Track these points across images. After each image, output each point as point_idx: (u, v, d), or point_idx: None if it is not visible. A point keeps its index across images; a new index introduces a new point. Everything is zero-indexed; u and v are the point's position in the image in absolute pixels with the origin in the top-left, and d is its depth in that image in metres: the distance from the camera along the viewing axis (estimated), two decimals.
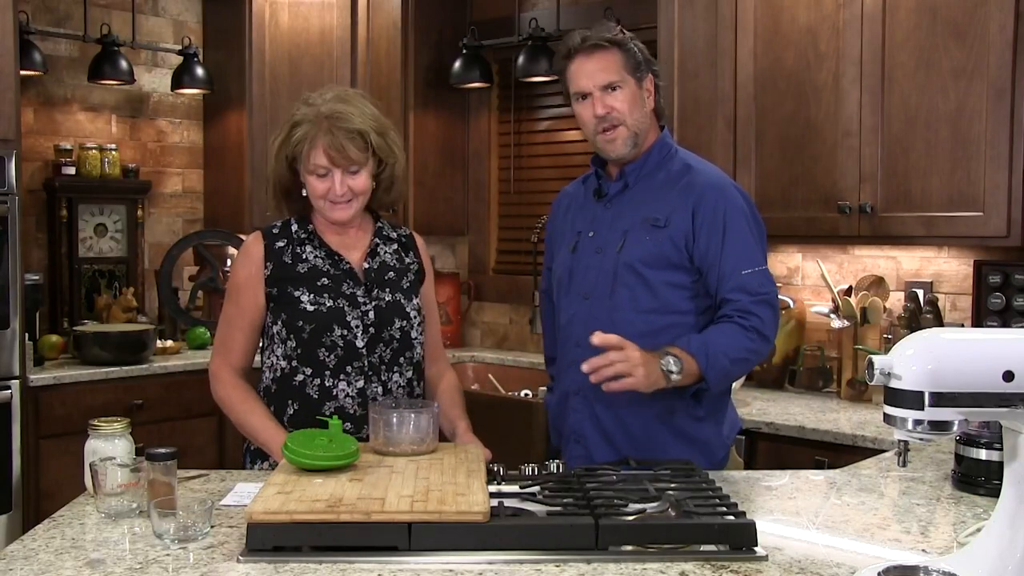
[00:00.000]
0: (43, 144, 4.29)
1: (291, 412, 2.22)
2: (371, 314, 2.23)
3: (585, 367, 2.05)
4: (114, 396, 3.78)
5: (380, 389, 2.23)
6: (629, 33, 2.31)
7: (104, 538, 1.71)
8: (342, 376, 2.21)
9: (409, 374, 2.30)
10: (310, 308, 2.20)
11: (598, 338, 2.05)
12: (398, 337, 2.26)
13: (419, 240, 2.45)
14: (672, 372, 2.07)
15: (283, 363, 2.23)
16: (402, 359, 2.28)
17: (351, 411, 2.20)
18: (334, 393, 2.21)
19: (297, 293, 2.21)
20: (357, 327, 2.22)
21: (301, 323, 2.20)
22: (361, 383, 2.22)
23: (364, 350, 2.22)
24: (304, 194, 2.24)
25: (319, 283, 2.23)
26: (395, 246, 2.37)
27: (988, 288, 3.05)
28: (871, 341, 3.26)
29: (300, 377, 2.21)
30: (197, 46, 4.57)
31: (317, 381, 2.21)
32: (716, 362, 2.11)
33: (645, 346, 2.16)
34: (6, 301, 3.49)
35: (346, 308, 2.22)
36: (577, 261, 2.34)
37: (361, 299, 2.24)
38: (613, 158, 2.30)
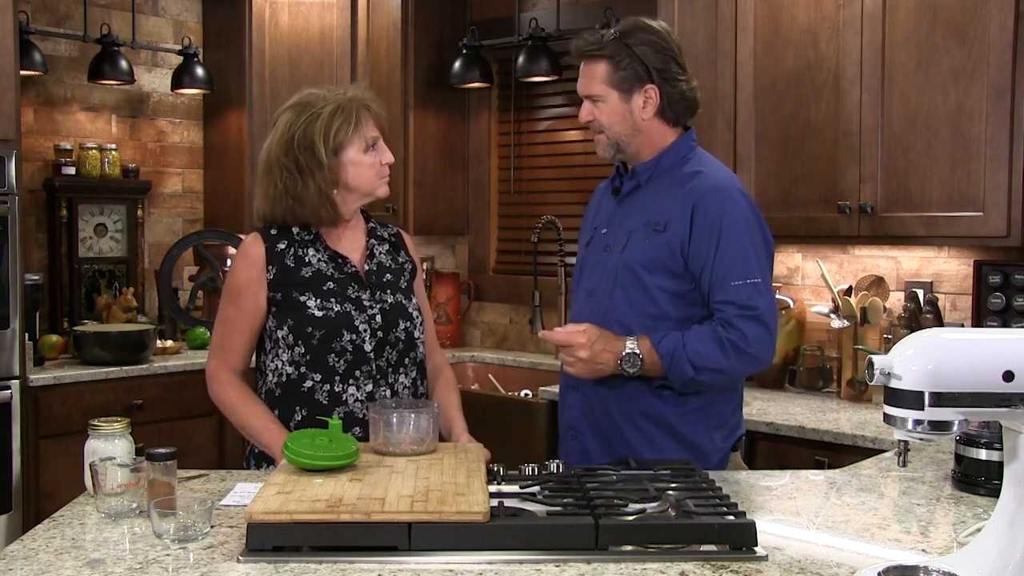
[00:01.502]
0: (43, 144, 4.29)
1: (299, 418, 2.21)
2: (378, 318, 2.23)
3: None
4: (114, 396, 3.78)
5: (388, 392, 2.23)
6: (646, 38, 2.24)
7: (104, 538, 1.71)
8: (351, 381, 2.21)
9: (413, 374, 2.30)
10: (318, 314, 2.19)
11: (544, 336, 2.22)
12: (403, 339, 2.26)
13: (407, 237, 2.45)
14: (627, 371, 2.14)
15: (289, 368, 2.22)
16: (407, 360, 2.28)
17: (360, 415, 2.19)
18: (343, 398, 2.20)
19: (303, 298, 2.20)
20: (365, 331, 2.21)
21: (310, 329, 2.19)
22: (370, 387, 2.22)
23: (372, 354, 2.22)
24: (319, 190, 2.19)
25: (325, 287, 2.22)
26: (387, 246, 2.37)
27: (988, 288, 3.05)
28: (871, 341, 3.26)
29: (309, 383, 2.20)
30: (197, 46, 4.57)
31: (327, 387, 2.20)
32: (680, 368, 2.13)
33: None
34: (6, 301, 3.49)
35: (353, 313, 2.21)
36: (587, 257, 2.35)
37: (367, 303, 2.23)
38: (601, 156, 2.35)
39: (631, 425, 2.23)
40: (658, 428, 2.22)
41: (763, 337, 2.15)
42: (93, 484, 1.86)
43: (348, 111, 2.21)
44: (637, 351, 2.13)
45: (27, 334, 3.61)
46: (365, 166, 2.23)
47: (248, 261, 2.24)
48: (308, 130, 2.19)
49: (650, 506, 1.69)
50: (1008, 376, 1.39)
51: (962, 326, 3.21)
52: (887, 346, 3.20)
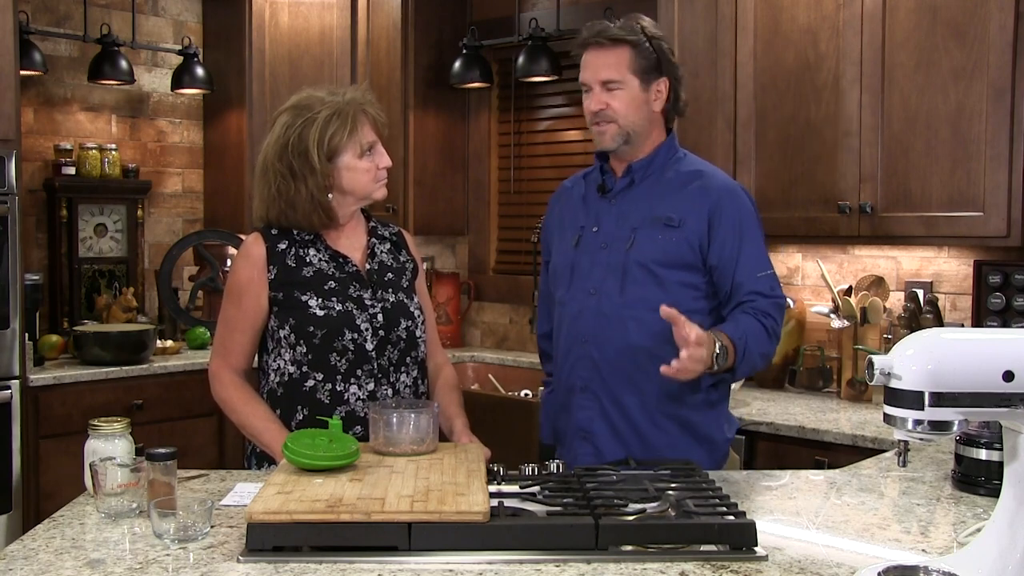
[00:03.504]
0: (43, 144, 4.29)
1: (300, 417, 2.21)
2: (379, 316, 2.23)
3: (671, 369, 2.04)
4: (114, 396, 3.78)
5: (390, 391, 2.23)
6: (656, 33, 2.28)
7: (104, 538, 1.71)
8: (352, 380, 2.21)
9: (415, 373, 2.30)
10: (320, 313, 2.19)
11: (664, 312, 2.05)
12: (405, 337, 2.26)
13: (408, 237, 2.45)
14: (717, 367, 2.10)
15: (291, 368, 2.22)
16: (408, 359, 2.28)
17: (361, 414, 2.19)
18: (345, 397, 2.20)
19: (304, 297, 2.20)
20: (367, 330, 2.21)
21: (312, 328, 2.19)
22: (372, 386, 2.22)
23: (374, 353, 2.22)
24: (312, 196, 2.19)
25: (326, 287, 2.22)
26: (388, 245, 2.37)
27: (988, 288, 3.05)
28: (871, 341, 3.26)
29: (311, 383, 2.20)
30: (197, 46, 4.57)
31: (328, 386, 2.20)
32: (749, 357, 2.16)
33: (656, 348, 2.16)
34: (6, 301, 3.49)
35: (355, 311, 2.21)
36: (580, 256, 2.34)
37: (368, 301, 2.24)
38: (600, 149, 2.33)
39: (651, 424, 2.24)
40: (677, 424, 2.24)
41: (782, 323, 2.25)
42: (93, 484, 1.86)
43: (344, 116, 2.20)
44: (723, 344, 2.11)
45: (27, 334, 3.61)
46: (360, 171, 2.23)
47: (249, 261, 2.24)
48: (303, 134, 2.19)
49: (650, 506, 1.69)
50: (1008, 376, 1.39)
51: (962, 326, 3.21)
52: (887, 346, 3.20)
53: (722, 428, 2.30)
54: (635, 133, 2.28)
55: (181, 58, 4.48)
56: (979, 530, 1.63)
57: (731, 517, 1.62)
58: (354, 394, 2.21)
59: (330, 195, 2.22)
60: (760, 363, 2.22)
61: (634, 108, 2.26)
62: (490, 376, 4.44)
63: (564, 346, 2.37)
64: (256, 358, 2.31)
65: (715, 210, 2.23)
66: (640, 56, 2.24)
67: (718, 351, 2.09)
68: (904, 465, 1.54)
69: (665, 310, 2.05)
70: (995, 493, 1.74)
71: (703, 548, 1.59)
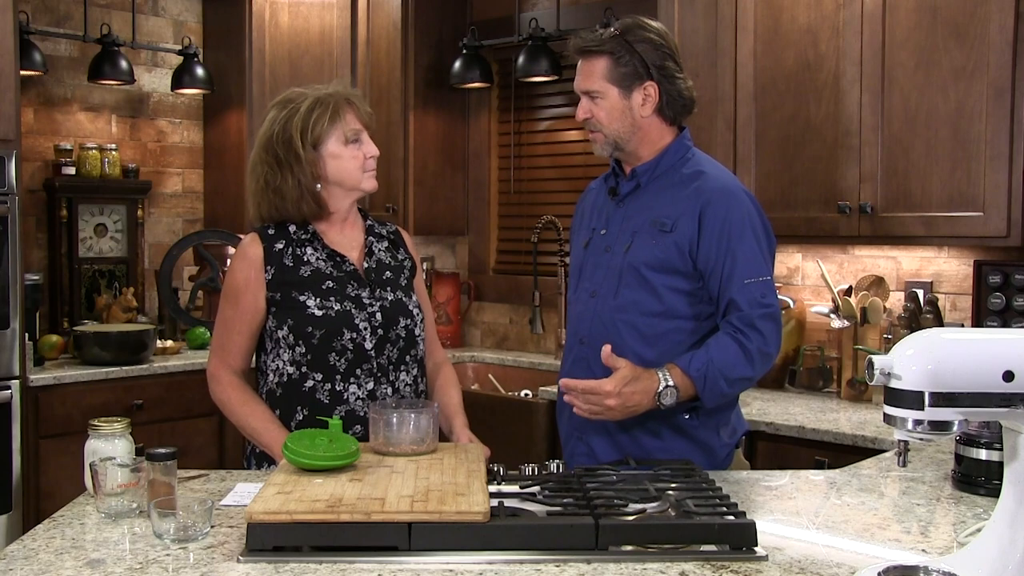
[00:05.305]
0: (43, 144, 4.29)
1: (299, 418, 2.21)
2: (378, 315, 2.23)
3: (566, 398, 2.14)
4: (114, 396, 3.79)
5: (389, 390, 2.23)
6: (646, 35, 2.24)
7: (104, 538, 1.71)
8: (352, 379, 2.21)
9: (414, 371, 2.30)
10: (318, 313, 2.19)
11: (564, 384, 2.14)
12: (403, 336, 2.26)
13: (406, 235, 2.46)
14: (664, 406, 2.10)
15: (290, 368, 2.22)
16: (408, 357, 2.28)
17: (361, 414, 2.19)
18: (344, 397, 2.20)
19: (303, 298, 2.20)
20: (365, 329, 2.21)
21: (311, 328, 2.18)
22: (371, 385, 2.22)
23: (373, 352, 2.22)
24: (299, 183, 2.20)
25: (324, 286, 2.22)
26: (386, 243, 2.37)
27: (988, 288, 3.05)
28: (871, 341, 3.26)
29: (310, 383, 2.20)
30: (197, 46, 4.57)
31: (328, 386, 2.20)
32: (714, 386, 2.11)
33: (645, 352, 2.15)
34: (6, 301, 3.49)
35: (353, 311, 2.21)
36: (587, 258, 2.34)
37: (367, 300, 2.24)
38: (598, 155, 2.34)
39: (641, 427, 2.22)
40: (668, 427, 2.22)
41: (777, 333, 2.18)
42: (93, 484, 1.86)
43: (327, 104, 2.22)
44: (672, 383, 2.09)
45: (27, 334, 3.61)
46: (346, 159, 2.23)
47: (246, 262, 2.24)
48: (287, 125, 2.21)
49: (650, 506, 1.69)
50: (1008, 376, 1.39)
51: (962, 326, 3.21)
52: (887, 346, 3.20)
53: (717, 433, 2.26)
54: (622, 140, 2.26)
55: (181, 58, 4.48)
56: (979, 530, 1.64)
57: (731, 517, 1.62)
58: (353, 393, 2.21)
59: (318, 186, 2.23)
60: (732, 388, 2.16)
61: (615, 117, 2.24)
62: (490, 376, 4.44)
63: (567, 346, 2.38)
64: (254, 358, 2.31)
65: (704, 211, 2.18)
66: (618, 65, 2.22)
67: (662, 388, 2.08)
68: (904, 465, 1.54)
69: (604, 353, 2.09)
70: (995, 493, 1.74)
71: (703, 548, 1.59)
